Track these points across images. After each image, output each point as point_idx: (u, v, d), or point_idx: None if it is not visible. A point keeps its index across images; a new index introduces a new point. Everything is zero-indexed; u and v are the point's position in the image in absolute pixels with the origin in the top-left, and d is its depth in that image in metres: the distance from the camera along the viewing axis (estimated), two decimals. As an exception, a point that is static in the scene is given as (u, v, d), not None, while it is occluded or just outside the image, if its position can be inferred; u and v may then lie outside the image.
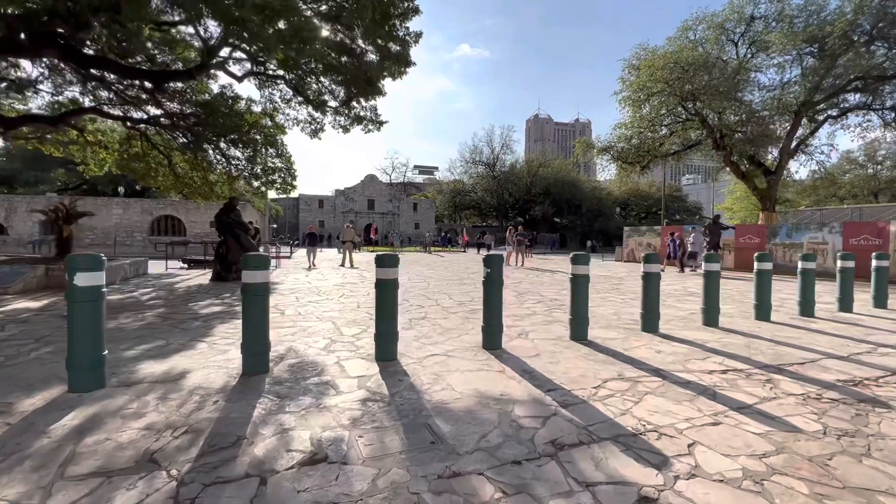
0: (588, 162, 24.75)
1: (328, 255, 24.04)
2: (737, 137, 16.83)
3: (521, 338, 4.85)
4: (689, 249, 15.93)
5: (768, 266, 6.13)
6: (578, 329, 4.74)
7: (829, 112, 18.74)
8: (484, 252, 35.17)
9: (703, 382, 3.39)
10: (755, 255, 6.27)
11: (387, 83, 10.33)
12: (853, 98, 18.40)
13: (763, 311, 6.04)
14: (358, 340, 4.58)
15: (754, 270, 6.23)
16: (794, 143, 18.49)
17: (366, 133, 11.41)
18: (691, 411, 2.81)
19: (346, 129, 11.62)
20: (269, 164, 14.40)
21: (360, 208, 53.26)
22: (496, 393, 3.10)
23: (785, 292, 9.21)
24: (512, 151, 57.24)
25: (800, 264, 6.62)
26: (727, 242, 16.63)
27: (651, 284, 5.15)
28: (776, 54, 15.78)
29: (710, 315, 5.60)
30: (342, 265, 15.91)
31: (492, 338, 4.30)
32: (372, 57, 9.72)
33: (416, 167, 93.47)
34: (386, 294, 3.84)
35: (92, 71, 9.19)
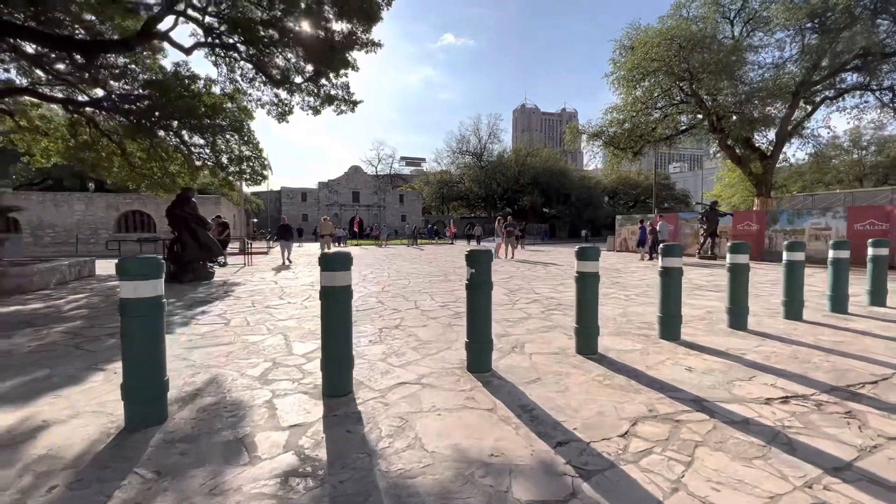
0: (577, 150, 23.88)
1: (309, 250, 22.86)
2: (733, 120, 16.08)
3: (515, 352, 3.91)
4: (659, 238, 15.73)
5: (800, 257, 5.28)
6: (587, 341, 3.82)
7: (826, 93, 18.08)
8: (473, 244, 34.37)
9: (766, 420, 2.48)
10: (785, 244, 5.42)
11: (362, 63, 9.26)
12: (850, 79, 17.76)
13: (794, 308, 5.20)
14: (308, 363, 3.59)
15: (783, 262, 5.38)
16: (790, 126, 17.81)
17: (338, 114, 10.30)
18: (773, 480, 1.90)
19: (316, 111, 10.50)
20: (237, 153, 13.19)
21: (345, 201, 51.85)
22: (485, 451, 2.15)
23: (770, 275, 8.30)
24: (499, 140, 56.29)
25: (831, 253, 5.80)
26: (724, 229, 15.96)
27: (672, 282, 4.25)
28: (777, 28, 14.98)
29: (738, 316, 4.73)
30: (320, 261, 14.84)
31: (479, 358, 3.35)
32: (340, 27, 8.59)
33: (402, 158, 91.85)
34: (334, 308, 2.84)
35: (13, 41, 7.90)
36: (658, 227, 16.30)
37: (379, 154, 71.76)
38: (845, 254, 5.71)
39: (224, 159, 13.19)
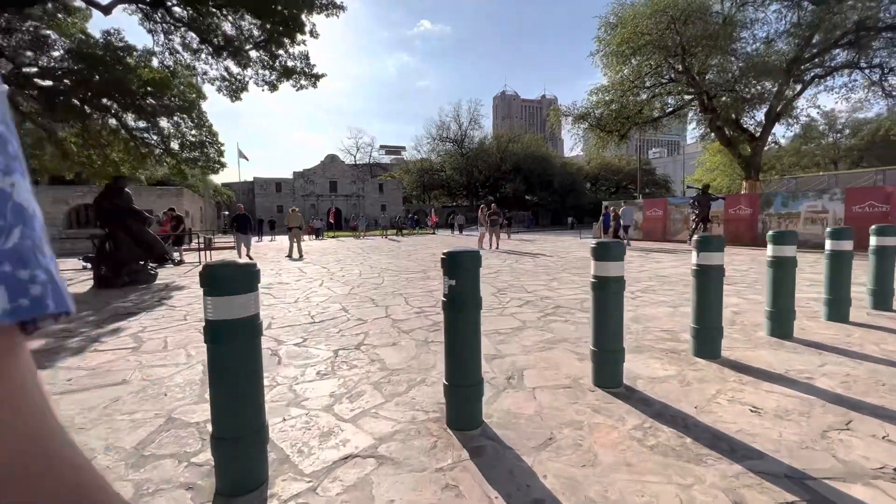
0: (560, 135, 22.95)
1: (281, 244, 21.44)
2: (724, 101, 15.35)
3: (512, 387, 2.91)
4: (622, 223, 15.96)
5: (847, 246, 4.43)
6: (610, 370, 2.84)
7: (815, 71, 17.51)
8: (456, 234, 33.37)
9: (927, 523, 1.54)
10: (827, 231, 4.56)
11: (324, 30, 8.01)
12: (840, 57, 17.21)
13: (840, 309, 4.36)
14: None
15: (826, 251, 4.54)
16: (779, 106, 17.21)
17: (298, 89, 9.06)
18: None
19: (273, 86, 9.23)
20: (189, 138, 11.79)
21: (322, 191, 50.03)
22: None
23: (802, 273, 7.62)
24: (480, 127, 55.00)
25: (873, 240, 4.97)
26: (715, 214, 15.31)
27: (711, 285, 3.30)
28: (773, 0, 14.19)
29: (781, 322, 3.85)
30: (289, 256, 13.59)
31: (463, 408, 2.33)
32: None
33: (382, 147, 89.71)
34: (232, 358, 1.76)
35: None
36: (620, 213, 16.48)
37: (357, 142, 69.72)
38: (892, 241, 4.88)
39: (175, 145, 11.77)
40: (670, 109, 20.01)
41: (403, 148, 77.77)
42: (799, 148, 33.97)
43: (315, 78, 9.07)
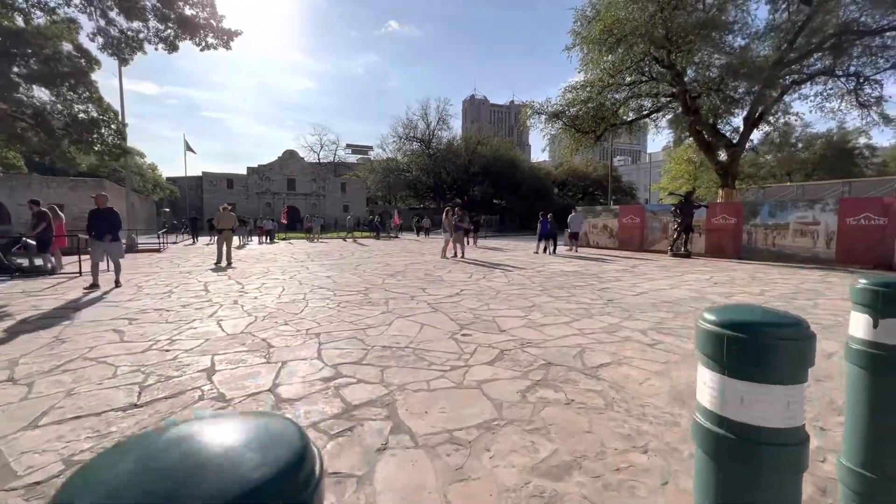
0: (529, 132, 21.53)
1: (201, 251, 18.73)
2: (708, 101, 14.30)
3: None
4: (570, 230, 16.03)
5: None
6: None
7: (792, 77, 16.85)
8: (422, 237, 31.37)
9: None
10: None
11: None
12: (817, 63, 16.61)
13: None
14: None
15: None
16: (759, 110, 16.43)
17: (203, 49, 6.86)
18: None
19: (171, 45, 7.00)
20: (80, 114, 9.33)
21: (279, 189, 46.78)
22: None
23: (786, 285, 5.98)
24: (449, 127, 53.24)
25: None
26: (697, 223, 14.17)
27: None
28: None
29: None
30: (217, 263, 11.25)
31: None
32: None
33: (348, 146, 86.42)
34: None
35: None
36: (570, 220, 16.19)
37: (321, 140, 66.26)
38: None
39: (56, 122, 9.25)
40: (646, 112, 18.98)
41: (370, 147, 75.07)
42: (756, 160, 34.32)
43: (226, 36, 6.96)
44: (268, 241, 24.50)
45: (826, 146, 37.99)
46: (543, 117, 17.96)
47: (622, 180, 63.53)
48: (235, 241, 22.25)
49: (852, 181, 21.93)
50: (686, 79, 14.40)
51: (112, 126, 9.87)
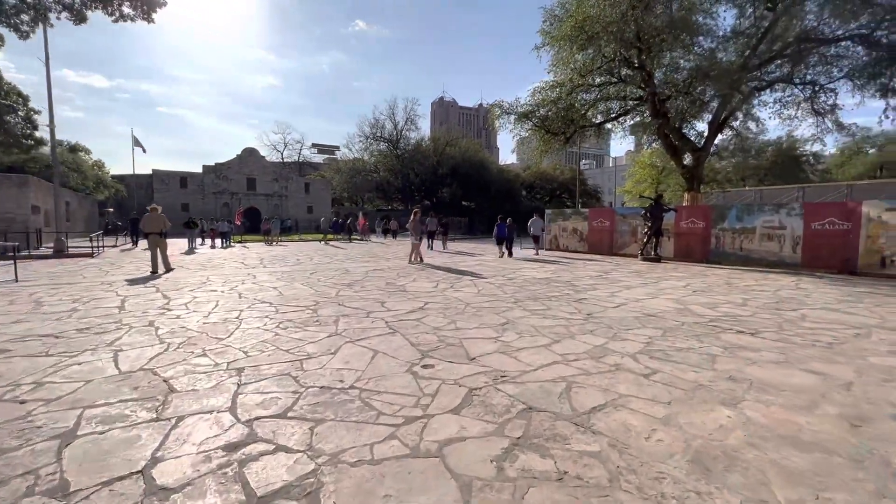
0: (498, 131, 21.09)
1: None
2: (677, 104, 14.20)
3: None
4: (532, 233, 16.46)
5: None
6: None
7: (753, 84, 17.12)
8: (389, 239, 30.31)
9: None
10: None
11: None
12: (777, 71, 16.94)
13: None
14: None
15: None
16: (723, 116, 16.57)
17: (117, 20, 5.77)
18: None
19: (79, 16, 5.87)
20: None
21: (238, 188, 44.40)
22: None
23: (763, 292, 5.63)
24: (417, 128, 52.31)
25: None
26: (665, 227, 14.01)
27: None
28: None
29: None
30: (153, 271, 9.95)
31: None
32: None
33: (314, 145, 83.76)
34: None
35: None
36: (531, 223, 16.70)
37: (285, 138, 63.52)
38: None
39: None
40: (614, 115, 18.88)
41: (337, 147, 73.13)
42: (713, 165, 35.49)
43: (146, 6, 5.90)
44: (223, 244, 22.85)
45: (776, 153, 39.84)
46: (513, 117, 17.48)
47: (588, 183, 64.71)
48: (182, 245, 20.60)
49: (805, 186, 22.76)
50: (655, 81, 14.25)
51: (19, 113, 8.47)
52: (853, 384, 3.19)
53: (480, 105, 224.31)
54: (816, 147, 38.91)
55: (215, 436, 2.38)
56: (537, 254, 16.19)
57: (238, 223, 25.38)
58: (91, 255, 15.04)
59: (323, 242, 23.89)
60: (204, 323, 4.95)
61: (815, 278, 9.47)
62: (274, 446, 2.27)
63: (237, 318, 5.23)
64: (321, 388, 3.06)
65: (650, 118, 15.60)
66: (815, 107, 17.61)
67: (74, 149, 36.93)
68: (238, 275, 9.52)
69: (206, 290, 7.28)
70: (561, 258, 14.93)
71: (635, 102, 17.48)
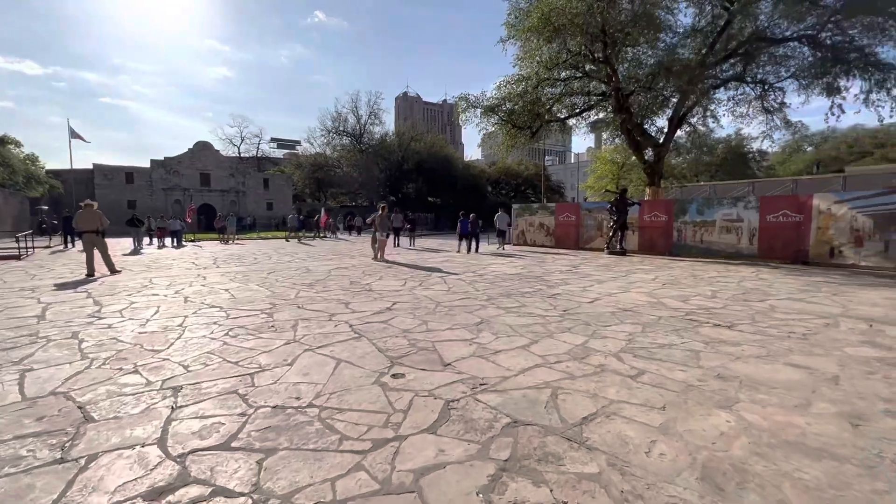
0: (466, 126, 20.83)
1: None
2: (640, 99, 14.42)
3: None
4: (498, 227, 16.82)
5: None
6: None
7: (710, 81, 17.69)
8: (355, 235, 29.49)
9: None
10: None
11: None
12: (731, 69, 17.56)
13: None
14: None
15: None
16: (682, 112, 17.02)
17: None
18: None
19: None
20: None
21: (191, 184, 41.93)
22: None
23: (729, 283, 5.66)
24: (381, 122, 51.31)
25: None
26: (630, 221, 14.22)
27: None
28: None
29: None
30: (89, 274, 8.97)
31: None
32: None
33: (273, 140, 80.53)
34: None
35: None
36: (496, 218, 17.00)
37: (242, 132, 60.53)
38: None
39: None
40: (578, 110, 19.03)
41: (298, 142, 70.57)
42: (669, 161, 36.97)
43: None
44: (174, 243, 21.36)
45: (726, 150, 41.96)
46: (479, 111, 17.24)
47: (552, 179, 65.87)
48: (127, 244, 19.07)
49: (755, 181, 23.95)
50: (619, 76, 14.39)
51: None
52: (839, 378, 3.10)
53: (445, 101, 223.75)
54: (765, 144, 41.27)
55: (136, 479, 1.92)
56: (503, 249, 16.32)
57: (189, 220, 23.81)
58: (18, 258, 13.56)
59: (297, 240, 22.82)
60: (140, 333, 4.34)
61: (772, 268, 9.80)
62: (211, 489, 1.85)
63: (180, 325, 4.64)
64: (274, 408, 2.63)
65: (614, 113, 15.78)
66: (765, 105, 18.40)
67: (2, 141, 33.59)
68: (187, 276, 8.73)
69: (146, 295, 6.55)
70: (529, 253, 14.88)
71: (599, 98, 17.66)
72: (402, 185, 47.77)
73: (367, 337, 4.14)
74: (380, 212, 12.37)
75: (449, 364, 3.40)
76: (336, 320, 4.82)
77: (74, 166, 35.04)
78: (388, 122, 72.39)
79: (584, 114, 19.36)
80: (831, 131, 45.74)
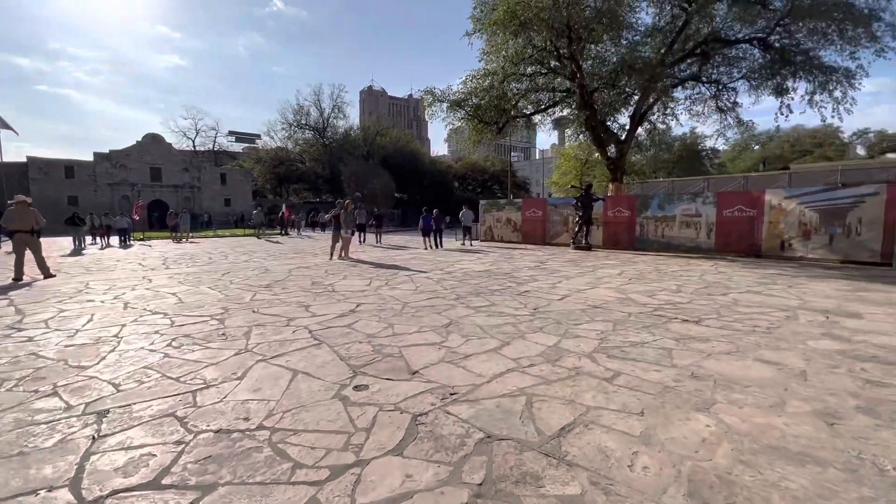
0: (432, 120, 20.56)
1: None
2: (604, 96, 14.63)
3: None
4: (463, 224, 16.92)
5: None
6: None
7: (669, 80, 18.23)
8: (319, 232, 28.57)
9: None
10: None
11: None
12: (687, 69, 18.16)
13: None
14: None
15: None
16: (643, 109, 17.46)
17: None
18: None
19: None
20: None
21: (140, 179, 39.36)
22: None
23: (691, 277, 5.77)
24: (345, 116, 50.05)
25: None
26: (595, 216, 14.44)
27: None
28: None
29: None
30: (17, 279, 8.08)
31: None
32: None
33: (231, 133, 77.02)
34: None
35: None
36: (461, 215, 17.16)
37: (196, 124, 57.33)
38: None
39: None
40: (544, 106, 19.17)
41: (258, 136, 67.82)
42: (630, 158, 38.24)
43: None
44: (121, 243, 19.92)
45: (682, 148, 43.81)
46: (445, 105, 17.02)
47: (518, 175, 66.61)
48: (66, 245, 17.60)
49: (710, 178, 25.01)
50: (584, 72, 14.55)
51: None
52: (807, 373, 3.10)
53: (411, 95, 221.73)
54: (719, 143, 43.33)
55: (35, 535, 1.57)
56: (469, 244, 16.37)
57: (138, 217, 22.29)
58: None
59: (257, 237, 21.81)
60: (66, 346, 3.84)
61: (729, 262, 10.17)
62: (130, 543, 1.53)
63: (115, 336, 4.16)
64: (217, 432, 2.31)
65: (578, 110, 15.96)
66: (719, 104, 19.17)
67: (-85, 130, 30.18)
68: (130, 279, 8.03)
69: (80, 301, 5.92)
70: (496, 248, 14.85)
71: (563, 94, 17.83)
72: (368, 180, 46.88)
73: (327, 343, 3.84)
74: (344, 207, 11.94)
75: (416, 372, 3.17)
76: (294, 325, 4.48)
77: (5, 159, 32.06)
78: (353, 117, 71.00)
79: (549, 110, 19.54)
80: (776, 131, 48.79)
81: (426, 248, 14.79)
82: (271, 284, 7.15)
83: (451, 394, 2.78)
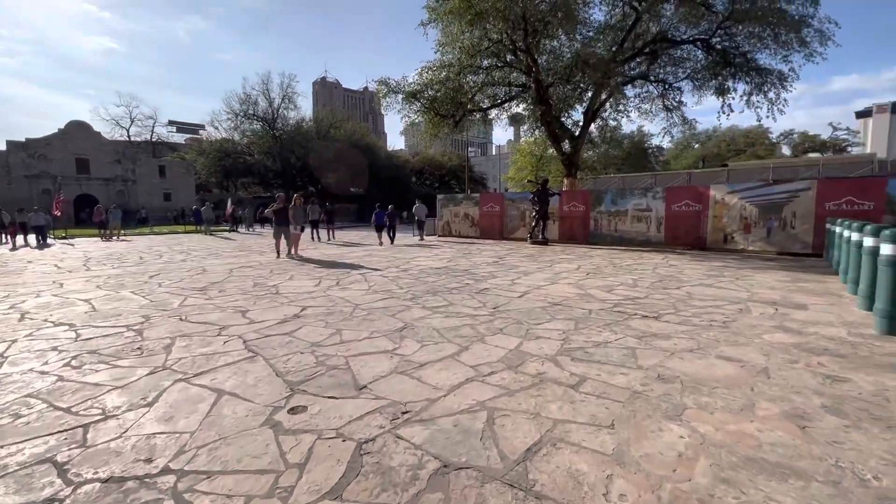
0: (387, 112, 19.96)
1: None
2: (559, 91, 14.70)
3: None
4: (417, 219, 17.13)
5: None
6: None
7: (619, 78, 18.67)
8: (268, 228, 27.09)
9: None
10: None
11: None
12: (636, 68, 18.67)
13: None
14: None
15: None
16: (595, 106, 17.78)
17: None
18: None
19: None
20: None
21: (64, 170, 35.67)
22: None
23: (644, 271, 5.88)
24: (297, 107, 47.85)
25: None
26: (550, 211, 14.54)
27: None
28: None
29: None
30: None
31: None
32: None
33: (172, 123, 71.79)
34: None
35: None
36: (415, 210, 17.34)
37: (131, 112, 52.65)
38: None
39: None
40: (500, 100, 19.09)
41: (202, 126, 63.59)
42: (583, 154, 39.39)
43: None
44: (38, 241, 17.83)
45: (630, 145, 45.70)
46: (400, 96, 16.48)
47: (475, 170, 66.95)
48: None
49: (657, 174, 26.10)
50: (541, 66, 14.55)
51: None
52: (769, 370, 3.04)
53: (366, 88, 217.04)
54: (665, 141, 45.43)
55: None
56: (422, 239, 16.30)
57: (59, 213, 20.07)
58: None
59: (204, 233, 20.23)
60: (-72, 371, 3.13)
61: (678, 255, 10.49)
62: None
63: (2, 354, 3.46)
64: (106, 482, 1.84)
65: (534, 105, 15.98)
66: (666, 103, 19.89)
67: None
68: (37, 284, 7.01)
69: (-33, 312, 5.01)
70: (454, 243, 14.62)
71: (519, 89, 17.81)
72: (322, 174, 45.23)
73: (263, 356, 3.38)
74: (292, 202, 11.23)
75: (364, 387, 2.80)
76: (227, 335, 3.96)
77: None
78: (306, 108, 68.25)
79: (505, 104, 19.48)
80: (714, 130, 52.07)
81: (381, 245, 14.31)
82: (207, 287, 6.46)
83: (404, 412, 2.45)
